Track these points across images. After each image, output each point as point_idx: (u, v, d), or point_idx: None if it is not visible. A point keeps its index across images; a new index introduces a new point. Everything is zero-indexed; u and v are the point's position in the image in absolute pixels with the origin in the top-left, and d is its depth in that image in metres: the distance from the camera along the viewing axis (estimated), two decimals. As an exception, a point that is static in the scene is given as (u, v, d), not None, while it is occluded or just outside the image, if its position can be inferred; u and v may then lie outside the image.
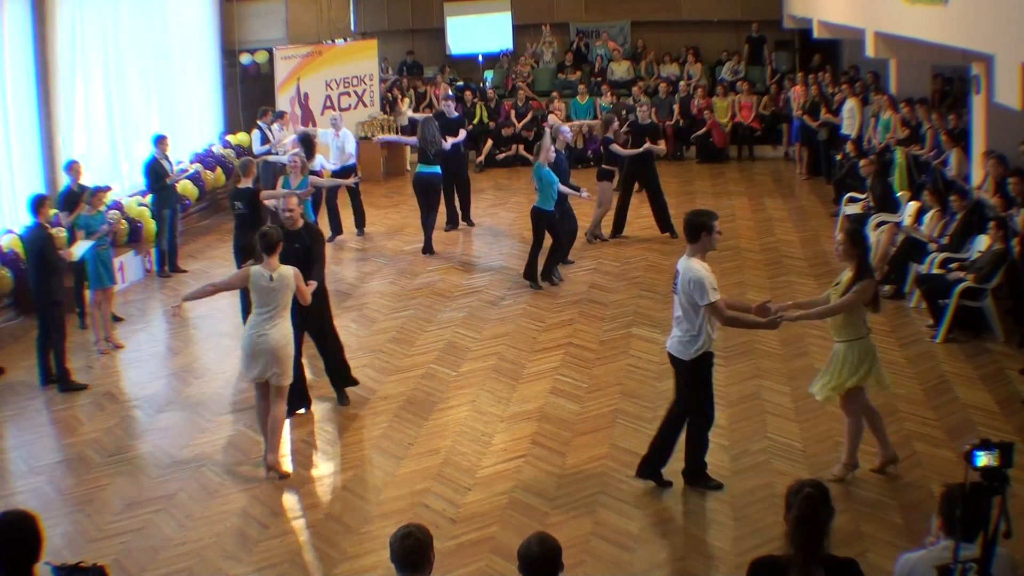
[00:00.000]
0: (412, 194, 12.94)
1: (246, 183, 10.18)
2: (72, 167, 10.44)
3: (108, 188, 10.45)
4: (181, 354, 9.71)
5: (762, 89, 18.45)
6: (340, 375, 8.26)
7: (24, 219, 11.17)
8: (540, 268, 11.03)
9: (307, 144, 11.92)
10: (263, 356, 6.85)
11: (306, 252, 7.62)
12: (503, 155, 18.05)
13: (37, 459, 7.45)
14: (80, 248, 9.34)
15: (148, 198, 12.47)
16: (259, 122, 13.78)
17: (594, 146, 16.73)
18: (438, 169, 12.50)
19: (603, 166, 12.54)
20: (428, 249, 12.48)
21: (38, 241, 8.76)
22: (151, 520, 6.49)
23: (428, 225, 12.53)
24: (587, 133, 17.34)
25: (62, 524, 6.41)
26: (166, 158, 11.97)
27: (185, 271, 12.36)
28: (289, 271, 6.94)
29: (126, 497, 6.82)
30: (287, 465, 7.19)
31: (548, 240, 11.09)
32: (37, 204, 8.83)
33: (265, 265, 6.88)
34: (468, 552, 5.96)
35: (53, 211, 9.72)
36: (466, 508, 6.47)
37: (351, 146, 13.49)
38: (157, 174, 11.77)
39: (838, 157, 14.57)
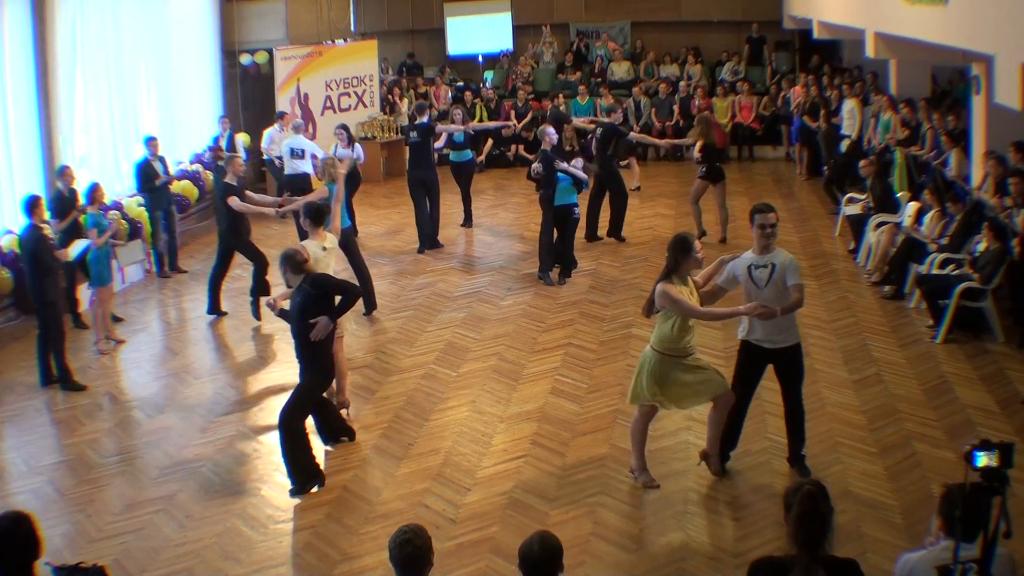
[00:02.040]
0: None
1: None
2: (64, 172, 10.36)
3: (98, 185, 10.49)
4: (181, 355, 9.71)
5: (762, 90, 18.45)
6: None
7: (24, 219, 11.23)
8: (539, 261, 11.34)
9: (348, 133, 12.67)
10: None
11: (313, 302, 6.93)
12: (508, 152, 18.08)
13: (37, 459, 7.44)
14: (76, 248, 9.35)
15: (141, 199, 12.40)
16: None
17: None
18: (469, 154, 13.76)
19: (716, 165, 12.54)
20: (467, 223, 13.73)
21: (32, 242, 8.77)
22: (151, 520, 6.49)
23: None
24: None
25: (62, 524, 6.41)
26: (159, 159, 11.88)
27: (185, 271, 12.34)
28: (335, 238, 7.79)
29: (126, 497, 6.82)
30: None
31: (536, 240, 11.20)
32: (31, 205, 8.85)
33: (315, 236, 7.69)
34: (468, 552, 5.95)
35: (48, 214, 9.72)
36: (466, 508, 6.47)
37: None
38: (147, 175, 11.69)
39: (826, 167, 14.67)
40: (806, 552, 3.60)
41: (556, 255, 11.32)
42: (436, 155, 12.99)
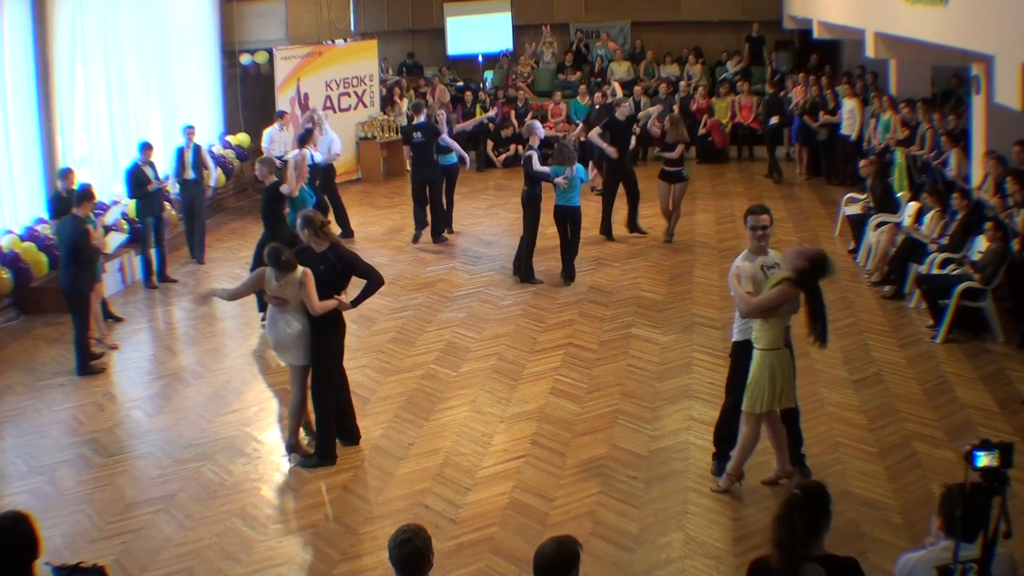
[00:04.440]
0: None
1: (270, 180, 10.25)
2: (67, 175, 10.33)
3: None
4: (181, 354, 9.70)
5: (762, 90, 18.43)
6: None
7: (24, 219, 11.23)
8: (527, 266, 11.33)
9: (303, 139, 12.07)
10: (276, 347, 7.27)
11: (334, 275, 7.07)
12: (503, 156, 18.05)
13: (37, 459, 7.44)
14: (114, 240, 9.48)
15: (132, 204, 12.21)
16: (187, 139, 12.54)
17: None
18: (454, 158, 13.19)
19: (667, 168, 12.43)
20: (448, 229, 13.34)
21: (74, 234, 8.93)
22: (151, 520, 6.49)
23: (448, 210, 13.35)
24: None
25: (62, 524, 6.41)
26: (150, 165, 11.60)
27: (175, 280, 11.95)
28: (297, 273, 6.97)
29: (126, 497, 6.82)
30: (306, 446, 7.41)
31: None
32: (82, 196, 9.08)
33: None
34: (468, 552, 5.96)
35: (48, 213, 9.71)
36: (466, 508, 6.47)
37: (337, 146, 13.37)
38: (138, 181, 11.49)
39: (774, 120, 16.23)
40: (779, 553, 3.61)
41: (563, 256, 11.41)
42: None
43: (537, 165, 11.01)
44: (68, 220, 9.08)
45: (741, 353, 6.45)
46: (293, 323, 7.03)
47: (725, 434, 6.74)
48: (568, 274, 11.19)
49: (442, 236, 13.08)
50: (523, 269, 11.25)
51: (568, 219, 11.05)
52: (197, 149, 12.62)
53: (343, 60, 17.35)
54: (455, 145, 13.18)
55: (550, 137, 14.89)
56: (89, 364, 9.11)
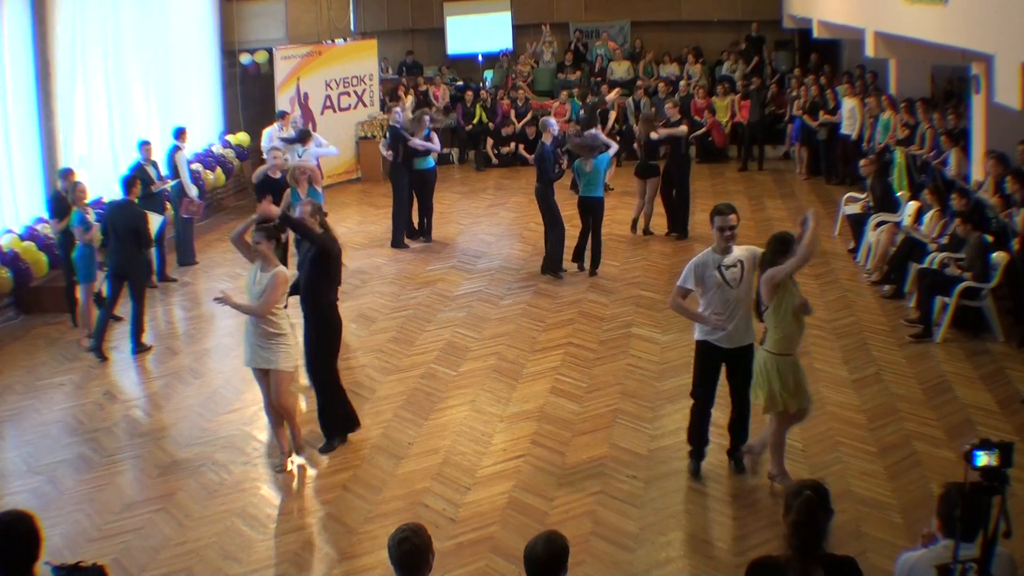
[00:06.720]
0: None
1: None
2: (67, 175, 10.32)
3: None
4: (181, 354, 9.71)
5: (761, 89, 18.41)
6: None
7: (24, 219, 11.23)
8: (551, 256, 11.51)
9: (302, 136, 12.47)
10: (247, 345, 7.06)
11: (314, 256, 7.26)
12: (506, 150, 18.09)
13: (37, 458, 7.44)
14: (155, 224, 9.99)
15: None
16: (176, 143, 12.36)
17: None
18: (430, 163, 13.13)
19: (650, 162, 12.63)
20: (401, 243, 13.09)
21: (136, 217, 9.39)
22: (151, 520, 6.49)
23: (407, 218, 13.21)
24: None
25: (62, 524, 6.41)
26: (151, 164, 11.62)
27: (174, 280, 11.96)
28: (277, 270, 6.92)
29: (126, 496, 6.82)
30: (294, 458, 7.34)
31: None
32: (129, 183, 9.52)
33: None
34: (468, 552, 5.96)
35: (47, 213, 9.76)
36: (466, 508, 6.47)
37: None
38: (142, 181, 11.55)
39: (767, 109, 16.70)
40: (799, 556, 3.62)
41: (581, 248, 11.55)
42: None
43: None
44: (124, 205, 9.36)
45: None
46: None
47: (698, 434, 6.77)
48: (595, 263, 11.42)
49: (402, 244, 13.01)
50: (552, 262, 11.39)
51: (590, 210, 11.24)
52: (172, 158, 12.41)
53: (343, 60, 17.36)
54: (422, 145, 12.92)
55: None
56: (102, 350, 9.42)
